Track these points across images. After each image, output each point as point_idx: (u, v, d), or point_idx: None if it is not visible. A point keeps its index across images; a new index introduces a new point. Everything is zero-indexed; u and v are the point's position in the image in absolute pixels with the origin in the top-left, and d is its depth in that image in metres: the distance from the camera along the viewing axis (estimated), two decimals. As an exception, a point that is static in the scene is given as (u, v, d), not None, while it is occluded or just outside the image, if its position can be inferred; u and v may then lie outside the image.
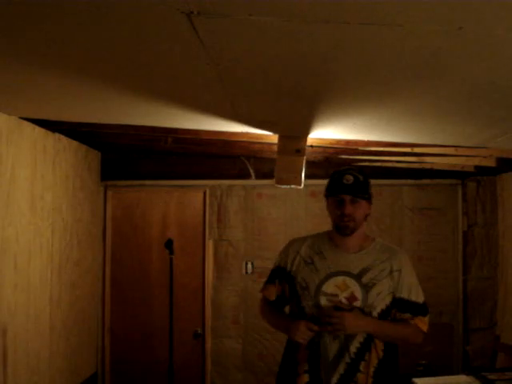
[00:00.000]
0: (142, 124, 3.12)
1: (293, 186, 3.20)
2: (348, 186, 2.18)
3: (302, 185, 3.15)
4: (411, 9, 1.26)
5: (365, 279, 2.17)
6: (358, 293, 2.16)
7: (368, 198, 2.26)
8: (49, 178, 3.37)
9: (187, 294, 4.44)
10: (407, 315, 2.22)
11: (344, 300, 2.15)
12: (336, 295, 2.16)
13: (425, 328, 2.24)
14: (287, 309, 2.39)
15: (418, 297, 2.24)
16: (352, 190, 2.18)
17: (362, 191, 2.20)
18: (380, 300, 2.18)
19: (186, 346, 4.39)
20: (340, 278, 2.17)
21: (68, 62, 1.86)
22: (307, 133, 3.04)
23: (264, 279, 4.43)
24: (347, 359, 2.13)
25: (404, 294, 2.21)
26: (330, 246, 2.28)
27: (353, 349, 2.13)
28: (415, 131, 2.97)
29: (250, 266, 4.48)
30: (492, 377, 3.22)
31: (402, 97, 2.16)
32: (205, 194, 4.49)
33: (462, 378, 3.34)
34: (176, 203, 4.52)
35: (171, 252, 3.59)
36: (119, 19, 1.43)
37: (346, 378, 2.13)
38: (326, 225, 4.54)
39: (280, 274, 2.36)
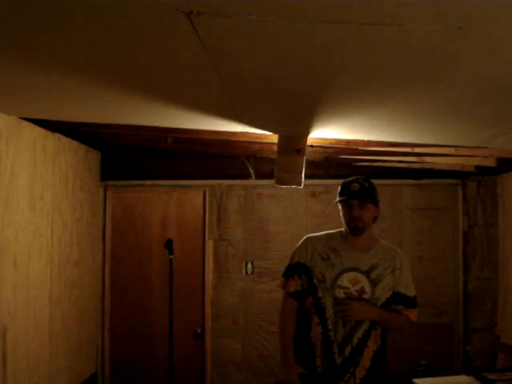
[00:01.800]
0: (142, 124, 3.12)
1: (293, 186, 3.19)
2: (355, 192, 2.52)
3: (302, 185, 3.15)
4: (411, 9, 1.26)
5: (373, 275, 2.55)
6: (367, 287, 2.53)
7: (374, 202, 2.57)
8: (48, 177, 3.36)
9: (187, 294, 4.44)
10: (400, 307, 2.59)
11: (354, 292, 2.52)
12: (348, 288, 2.52)
13: (414, 318, 2.62)
14: (309, 301, 2.63)
15: (411, 292, 2.62)
16: (358, 195, 2.52)
17: (367, 196, 2.54)
18: (384, 293, 2.56)
19: (186, 346, 4.39)
20: (352, 274, 2.54)
21: (68, 62, 1.86)
22: (307, 133, 3.04)
23: (264, 279, 4.47)
24: (353, 344, 2.51)
25: (401, 289, 2.59)
26: (343, 244, 2.62)
27: (358, 335, 2.51)
28: (415, 131, 2.97)
29: (250, 266, 4.48)
30: (492, 377, 3.22)
31: (402, 97, 2.16)
32: (205, 194, 4.49)
33: (463, 378, 3.34)
34: (176, 203, 4.52)
35: (171, 252, 3.59)
36: (119, 19, 1.42)
37: (351, 359, 2.51)
38: (326, 224, 4.55)
39: (300, 269, 2.66)
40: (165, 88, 2.20)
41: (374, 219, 2.64)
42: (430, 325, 4.39)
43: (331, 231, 2.73)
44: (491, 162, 3.83)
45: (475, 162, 3.89)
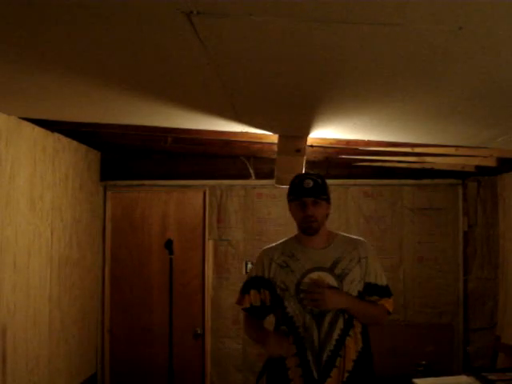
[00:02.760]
0: (142, 124, 3.11)
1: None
2: (308, 189, 2.36)
3: (302, 185, 3.14)
4: (411, 9, 1.26)
5: (337, 270, 2.37)
6: (334, 283, 2.35)
7: (327, 199, 2.44)
8: (48, 177, 3.36)
9: (187, 294, 4.44)
10: (374, 297, 2.42)
11: (321, 280, 2.35)
12: (313, 292, 2.33)
13: (390, 308, 2.46)
14: (272, 319, 2.52)
15: (382, 280, 2.45)
16: (312, 192, 2.36)
17: (321, 193, 2.39)
18: (354, 286, 2.38)
19: (186, 346, 4.39)
20: (315, 274, 2.36)
21: (68, 62, 1.86)
22: (307, 133, 3.04)
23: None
24: (331, 346, 2.31)
25: (372, 279, 2.42)
26: (299, 247, 2.46)
27: (335, 336, 2.32)
28: (415, 131, 2.97)
29: (250, 265, 4.48)
30: (492, 377, 3.22)
31: (403, 97, 2.16)
32: (205, 194, 4.49)
33: (463, 378, 3.34)
34: (176, 203, 4.52)
35: (171, 252, 3.59)
36: (119, 19, 1.42)
37: (330, 363, 2.31)
38: (327, 225, 4.53)
39: (258, 283, 2.50)
40: (165, 88, 2.20)
41: (327, 216, 2.48)
42: (429, 325, 4.39)
43: (285, 239, 2.57)
44: (491, 162, 3.83)
45: (475, 162, 3.89)
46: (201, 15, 1.32)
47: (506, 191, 4.27)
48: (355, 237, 2.56)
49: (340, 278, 2.35)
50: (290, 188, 2.48)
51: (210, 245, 4.47)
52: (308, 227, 2.39)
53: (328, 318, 2.32)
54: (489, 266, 4.40)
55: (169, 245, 3.59)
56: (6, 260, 2.83)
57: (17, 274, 2.94)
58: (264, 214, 4.51)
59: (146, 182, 4.49)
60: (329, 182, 4.44)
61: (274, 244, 2.58)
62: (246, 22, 1.37)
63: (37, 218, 3.20)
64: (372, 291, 2.42)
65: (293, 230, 4.20)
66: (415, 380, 3.36)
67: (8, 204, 2.85)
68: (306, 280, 2.35)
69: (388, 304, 2.45)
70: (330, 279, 2.35)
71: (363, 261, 2.41)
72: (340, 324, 2.33)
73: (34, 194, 3.17)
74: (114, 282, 4.47)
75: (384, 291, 2.44)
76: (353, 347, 2.32)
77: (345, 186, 4.48)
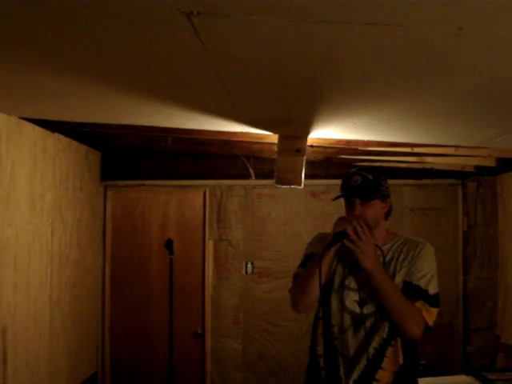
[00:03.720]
0: (142, 124, 3.11)
1: (293, 186, 3.19)
2: (355, 187, 2.10)
3: (302, 185, 3.15)
4: (411, 9, 1.26)
5: (386, 271, 2.11)
6: None
7: (381, 197, 2.13)
8: (48, 177, 3.36)
9: (187, 293, 4.44)
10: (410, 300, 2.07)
11: (364, 295, 2.10)
12: (357, 290, 2.12)
13: (429, 319, 2.08)
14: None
15: (428, 285, 2.12)
16: (359, 191, 2.09)
17: (371, 191, 2.10)
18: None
19: (186, 345, 4.39)
20: (361, 274, 2.09)
21: (68, 62, 1.86)
22: (307, 133, 3.04)
23: (264, 279, 4.46)
24: (369, 355, 2.05)
25: (413, 279, 2.10)
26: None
27: (374, 344, 2.06)
28: (415, 131, 2.97)
29: (249, 266, 4.48)
30: (492, 377, 3.22)
31: (403, 97, 2.16)
32: (205, 194, 4.49)
33: (462, 378, 3.34)
34: (176, 203, 4.52)
35: (171, 252, 3.59)
36: (119, 19, 1.42)
37: (367, 375, 2.05)
38: (326, 225, 4.52)
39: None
40: (165, 88, 2.20)
41: (387, 215, 2.21)
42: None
43: None
44: (491, 162, 3.83)
45: (475, 162, 3.89)
46: (201, 15, 1.32)
47: (505, 191, 4.27)
48: (418, 239, 2.28)
49: None
50: (341, 184, 2.21)
51: (210, 245, 4.47)
52: None
53: (368, 323, 2.07)
54: (488, 266, 4.40)
55: (169, 245, 3.59)
56: (6, 260, 2.83)
57: (17, 274, 2.94)
58: (264, 214, 4.51)
59: (146, 182, 4.49)
60: (329, 182, 4.48)
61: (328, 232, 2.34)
62: (246, 22, 1.38)
63: (37, 218, 3.20)
64: (408, 291, 2.07)
65: (293, 229, 4.17)
66: (415, 380, 3.35)
67: (8, 204, 2.85)
68: (352, 279, 2.12)
69: (427, 313, 2.08)
70: None
71: (413, 261, 2.15)
72: (382, 332, 2.06)
73: (35, 193, 3.17)
74: (115, 282, 4.47)
75: (424, 295, 2.09)
76: (389, 367, 2.05)
77: (345, 186, 4.47)
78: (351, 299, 2.12)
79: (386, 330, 2.07)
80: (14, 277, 2.90)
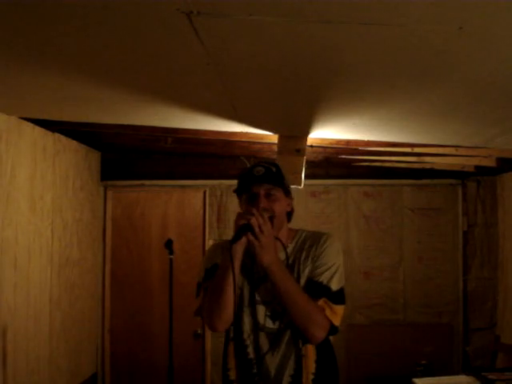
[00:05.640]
0: (142, 124, 3.12)
1: (293, 186, 3.19)
2: (258, 177, 1.84)
3: (302, 185, 3.15)
4: (412, 9, 1.26)
5: (295, 274, 1.89)
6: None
7: (286, 190, 1.92)
8: (48, 178, 3.36)
9: (187, 294, 4.42)
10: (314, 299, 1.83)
11: (279, 305, 1.85)
12: (270, 302, 1.87)
13: (334, 319, 1.82)
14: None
15: (329, 281, 1.85)
16: (264, 179, 1.85)
17: (275, 181, 1.87)
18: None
19: (186, 346, 4.39)
20: (268, 283, 1.84)
21: (68, 62, 1.86)
22: (307, 133, 3.04)
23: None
24: (291, 372, 1.85)
25: (315, 276, 1.85)
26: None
27: (294, 359, 1.85)
28: (415, 131, 2.97)
29: (249, 266, 4.48)
30: (492, 377, 3.22)
31: (403, 97, 2.16)
32: (205, 194, 4.49)
33: (462, 378, 3.34)
34: (176, 203, 4.52)
35: (171, 252, 3.59)
36: (119, 19, 1.42)
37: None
38: (326, 225, 4.52)
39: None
40: (165, 88, 2.20)
41: (289, 217, 1.98)
42: (430, 325, 4.39)
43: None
44: (491, 162, 3.83)
45: (475, 162, 3.89)
46: (201, 15, 1.32)
47: (505, 191, 4.27)
48: (321, 232, 2.00)
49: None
50: (238, 180, 1.94)
51: (209, 245, 4.46)
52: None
53: (285, 336, 1.86)
54: (488, 266, 4.40)
55: (169, 245, 3.59)
56: (6, 260, 2.83)
57: (17, 274, 2.94)
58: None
59: (146, 182, 4.49)
60: (329, 182, 4.47)
61: (223, 240, 2.10)
62: (246, 22, 1.38)
63: (37, 218, 3.20)
64: (311, 290, 1.83)
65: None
66: (415, 380, 3.36)
67: (8, 204, 2.85)
68: (262, 290, 1.88)
69: (331, 311, 1.81)
70: None
71: (316, 256, 1.88)
72: (299, 343, 1.85)
73: (35, 193, 3.17)
74: (114, 282, 4.46)
75: (328, 293, 1.83)
76: (311, 367, 1.85)
77: (345, 186, 4.48)
78: (262, 314, 1.87)
79: (302, 339, 1.85)
80: (13, 277, 2.90)
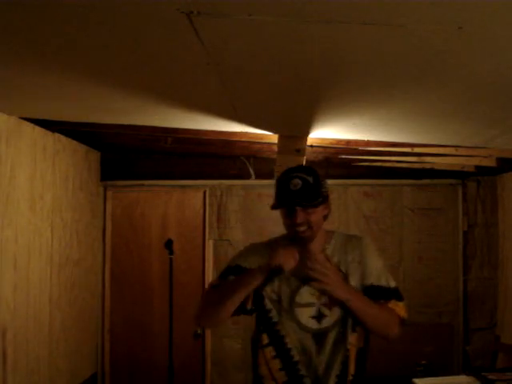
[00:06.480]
0: (142, 124, 3.12)
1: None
2: (296, 192, 1.88)
3: (302, 185, 3.14)
4: (412, 9, 1.26)
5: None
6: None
7: (322, 202, 1.96)
8: (48, 177, 3.36)
9: (187, 294, 4.44)
10: (381, 301, 1.96)
11: (322, 306, 1.94)
12: (313, 303, 1.95)
13: (403, 314, 1.98)
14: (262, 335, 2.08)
15: (388, 282, 2.00)
16: (301, 197, 1.89)
17: (312, 197, 1.92)
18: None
19: (186, 346, 4.39)
20: (314, 283, 1.92)
21: (68, 62, 1.86)
22: (307, 133, 3.04)
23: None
24: (337, 371, 1.92)
25: (372, 280, 1.98)
26: None
27: (340, 358, 1.93)
28: (415, 131, 2.97)
29: (249, 266, 4.47)
30: (492, 377, 3.21)
31: (403, 97, 2.16)
32: (205, 194, 4.49)
33: (463, 378, 3.34)
34: (176, 203, 4.52)
35: (171, 252, 3.59)
36: (119, 19, 1.42)
37: None
38: (327, 225, 4.53)
39: (239, 274, 2.03)
40: (165, 88, 2.20)
41: (325, 217, 2.03)
42: (430, 325, 4.39)
43: (274, 237, 2.18)
44: (491, 162, 3.83)
45: (475, 162, 3.89)
46: (201, 15, 1.32)
47: (505, 191, 4.27)
48: (354, 234, 2.17)
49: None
50: (275, 188, 2.01)
51: (209, 245, 4.47)
52: (300, 238, 1.94)
53: (331, 337, 1.94)
54: (489, 266, 4.40)
55: (169, 245, 3.59)
56: (6, 260, 2.83)
57: (17, 274, 2.94)
58: (264, 214, 4.51)
59: (146, 182, 4.49)
60: (329, 182, 4.46)
61: (261, 243, 2.19)
62: (246, 22, 1.38)
63: (37, 218, 3.20)
64: (375, 294, 1.96)
65: None
66: (415, 380, 3.36)
67: (8, 204, 2.85)
68: (303, 292, 1.95)
69: (399, 308, 1.97)
70: None
71: (363, 261, 2.01)
72: (346, 343, 1.93)
73: (34, 193, 3.17)
74: (114, 282, 4.46)
75: (391, 293, 1.98)
76: (352, 368, 1.94)
77: (345, 186, 4.47)
78: (306, 316, 1.94)
79: (349, 339, 1.94)
80: (13, 277, 2.90)
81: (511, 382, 3.18)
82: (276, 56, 1.69)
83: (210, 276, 4.45)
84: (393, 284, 2.01)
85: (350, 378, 1.93)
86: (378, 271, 2.01)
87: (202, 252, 4.47)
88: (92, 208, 4.17)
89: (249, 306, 2.04)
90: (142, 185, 4.49)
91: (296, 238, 1.96)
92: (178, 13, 1.31)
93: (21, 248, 2.99)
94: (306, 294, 1.95)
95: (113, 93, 2.29)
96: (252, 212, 4.50)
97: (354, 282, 1.97)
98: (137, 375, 4.43)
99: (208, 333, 4.43)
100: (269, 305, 1.99)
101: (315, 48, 1.59)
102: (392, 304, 1.97)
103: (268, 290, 1.99)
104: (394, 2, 1.23)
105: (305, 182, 1.91)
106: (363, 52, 1.61)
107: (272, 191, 4.70)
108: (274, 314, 1.98)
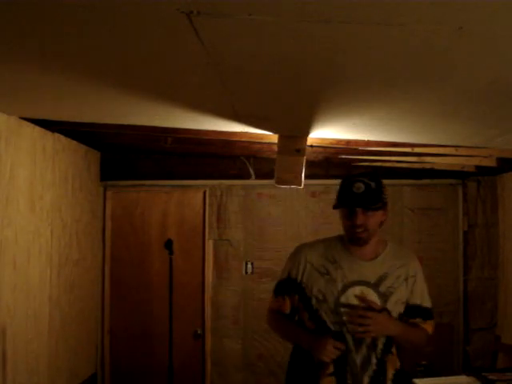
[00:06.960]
0: (142, 124, 3.11)
1: (293, 186, 3.19)
2: (358, 195, 2.03)
3: (302, 185, 3.15)
4: (412, 9, 1.26)
5: (382, 287, 2.13)
6: (377, 302, 2.11)
7: (382, 207, 2.11)
8: (48, 177, 3.36)
9: (187, 294, 4.44)
10: (418, 320, 2.22)
11: (374, 303, 2.11)
12: (355, 306, 2.09)
13: (431, 331, 2.27)
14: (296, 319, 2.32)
15: (428, 302, 2.26)
16: (363, 200, 2.04)
17: (374, 201, 2.06)
18: (397, 308, 2.16)
19: (186, 346, 4.39)
20: (358, 288, 2.10)
21: (68, 61, 1.86)
22: (307, 133, 3.04)
23: (264, 279, 4.46)
24: (373, 367, 2.12)
25: (417, 301, 2.21)
26: (344, 253, 2.17)
27: (375, 356, 2.13)
28: (415, 131, 2.97)
29: (249, 266, 4.48)
30: (492, 377, 3.22)
31: (403, 97, 2.16)
32: (205, 193, 4.49)
33: (463, 378, 3.34)
34: (176, 203, 4.52)
35: (171, 252, 3.59)
36: (119, 19, 1.42)
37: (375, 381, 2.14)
38: (326, 225, 4.49)
39: (290, 287, 2.27)
40: (165, 88, 2.20)
41: (381, 224, 2.17)
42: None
43: (328, 238, 2.29)
44: (491, 162, 3.83)
45: (475, 162, 3.89)
46: (201, 15, 1.32)
47: (505, 191, 4.27)
48: (406, 250, 2.36)
49: (384, 297, 2.12)
50: (339, 190, 2.14)
51: (210, 245, 4.47)
52: (356, 238, 2.09)
53: (368, 340, 2.11)
54: (489, 266, 4.39)
55: (169, 245, 3.59)
56: (5, 260, 2.82)
57: (17, 274, 2.94)
58: (264, 214, 4.51)
59: (146, 182, 4.49)
60: (329, 182, 4.47)
61: (312, 241, 2.30)
62: (246, 22, 1.37)
63: (37, 218, 3.20)
64: (416, 313, 2.21)
65: (293, 229, 4.07)
66: (415, 380, 3.36)
67: (8, 204, 2.85)
68: (349, 294, 2.09)
69: (431, 327, 2.26)
70: (374, 297, 2.10)
71: (410, 280, 2.17)
72: (380, 344, 2.12)
73: (34, 194, 3.17)
74: (114, 282, 4.46)
75: (428, 313, 2.25)
76: (391, 367, 2.17)
77: (345, 186, 4.47)
78: (347, 316, 2.09)
79: (383, 340, 2.14)
80: (13, 277, 2.90)
81: (511, 382, 3.18)
82: (276, 56, 1.69)
83: (209, 276, 4.45)
84: (430, 304, 2.27)
85: (389, 383, 2.16)
86: (424, 293, 2.24)
87: (201, 252, 4.47)
88: (92, 208, 4.17)
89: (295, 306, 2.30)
90: (142, 185, 4.49)
91: (353, 239, 2.11)
92: (177, 13, 1.31)
93: (20, 248, 2.99)
94: (350, 296, 2.11)
95: (113, 93, 2.29)
96: (252, 212, 4.50)
97: (396, 297, 2.14)
98: (137, 375, 4.43)
99: (208, 333, 4.44)
100: (316, 305, 2.15)
101: (315, 48, 1.59)
102: (427, 325, 2.23)
103: (314, 289, 2.16)
104: (394, 2, 1.23)
105: (367, 186, 2.06)
106: (363, 52, 1.61)
107: (272, 191, 4.69)
108: (322, 312, 2.13)
